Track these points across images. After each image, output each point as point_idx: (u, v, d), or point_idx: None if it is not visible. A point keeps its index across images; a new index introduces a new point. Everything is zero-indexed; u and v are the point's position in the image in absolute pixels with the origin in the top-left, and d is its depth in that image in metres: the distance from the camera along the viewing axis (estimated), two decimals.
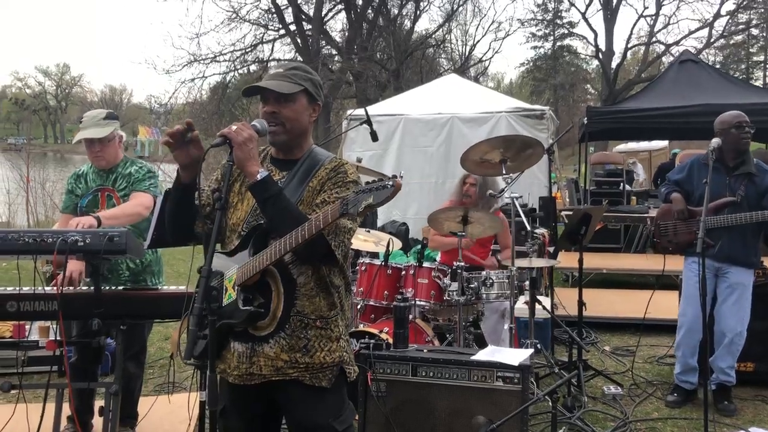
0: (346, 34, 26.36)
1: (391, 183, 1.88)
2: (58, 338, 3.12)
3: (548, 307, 4.86)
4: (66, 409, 3.41)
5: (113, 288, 3.37)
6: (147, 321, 3.77)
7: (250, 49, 24.38)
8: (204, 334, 1.98)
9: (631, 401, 4.49)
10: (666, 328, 5.62)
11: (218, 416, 2.27)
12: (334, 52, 26.30)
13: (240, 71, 24.85)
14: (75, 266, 3.40)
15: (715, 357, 4.33)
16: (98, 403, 3.77)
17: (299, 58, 23.58)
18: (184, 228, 2.30)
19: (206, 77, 24.23)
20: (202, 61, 23.47)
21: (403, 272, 4.57)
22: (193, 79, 23.87)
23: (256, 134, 2.14)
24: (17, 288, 3.12)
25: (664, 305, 5.17)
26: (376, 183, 1.91)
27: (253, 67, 24.90)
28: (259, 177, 2.11)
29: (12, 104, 76.55)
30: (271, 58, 25.03)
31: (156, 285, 3.83)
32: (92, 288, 3.02)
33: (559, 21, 39.50)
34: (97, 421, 3.67)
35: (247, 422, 2.33)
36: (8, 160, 16.98)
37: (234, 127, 2.12)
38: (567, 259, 6.65)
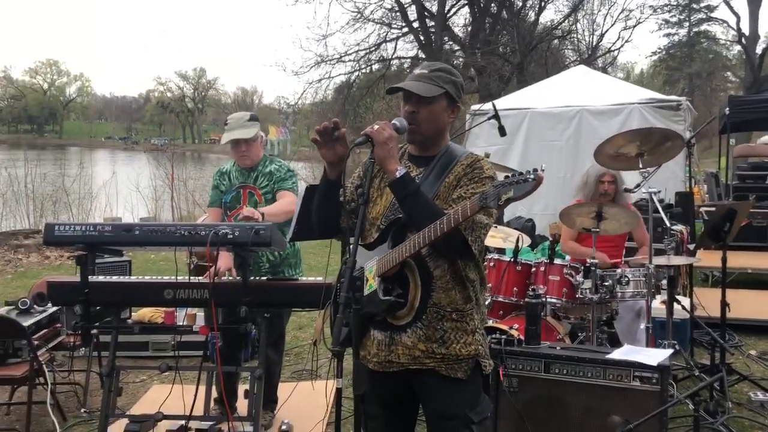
0: (469, 29, 26.13)
1: (532, 176, 1.87)
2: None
3: (687, 307, 4.63)
4: (213, 392, 3.68)
5: (257, 278, 3.59)
6: (288, 309, 3.99)
7: (374, 48, 24.74)
8: (347, 322, 2.08)
9: None
10: None
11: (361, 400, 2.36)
12: (456, 47, 26.16)
13: (363, 71, 25.29)
14: (225, 263, 3.65)
15: None
16: (241, 387, 4.03)
17: (422, 56, 23.67)
18: (330, 222, 2.43)
19: (332, 77, 24.86)
20: (328, 62, 24.08)
21: (533, 269, 4.51)
22: (319, 80, 24.49)
23: (396, 133, 2.23)
24: (173, 277, 3.40)
25: None
26: (516, 176, 1.90)
27: (375, 66, 25.26)
28: (398, 174, 2.19)
29: (157, 107, 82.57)
30: (394, 57, 25.32)
31: (294, 276, 4.03)
32: (239, 278, 3.24)
33: (695, 5, 37.13)
34: (241, 405, 3.93)
35: (385, 408, 2.41)
36: (154, 159, 18.33)
37: (376, 127, 2.21)
38: (707, 258, 6.28)
